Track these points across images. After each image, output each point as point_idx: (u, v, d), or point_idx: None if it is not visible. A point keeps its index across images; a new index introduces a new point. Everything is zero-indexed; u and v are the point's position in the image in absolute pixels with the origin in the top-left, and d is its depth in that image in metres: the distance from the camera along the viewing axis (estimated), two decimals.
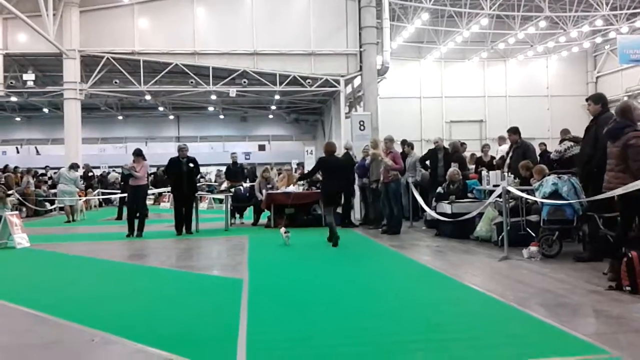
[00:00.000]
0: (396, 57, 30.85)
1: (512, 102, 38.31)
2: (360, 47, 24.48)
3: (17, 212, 12.25)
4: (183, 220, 11.90)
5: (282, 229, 10.34)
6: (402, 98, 36.45)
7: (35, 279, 7.39)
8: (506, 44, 35.49)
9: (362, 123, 15.27)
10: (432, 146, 13.53)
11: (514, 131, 10.09)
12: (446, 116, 38.27)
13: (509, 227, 7.81)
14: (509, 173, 9.49)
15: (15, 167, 21.23)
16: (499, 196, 8.01)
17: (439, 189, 11.23)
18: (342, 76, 25.21)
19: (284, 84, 25.42)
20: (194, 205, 12.53)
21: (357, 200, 13.04)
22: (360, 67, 24.57)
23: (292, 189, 13.34)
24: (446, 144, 13.68)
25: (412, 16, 31.74)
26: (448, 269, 7.06)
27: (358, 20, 24.55)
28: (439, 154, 12.69)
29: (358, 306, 5.27)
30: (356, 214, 13.02)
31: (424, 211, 11.29)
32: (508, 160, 10.00)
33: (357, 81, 26.24)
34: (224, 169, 29.22)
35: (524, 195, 8.02)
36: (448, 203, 10.22)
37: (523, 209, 8.55)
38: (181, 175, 11.86)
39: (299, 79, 25.23)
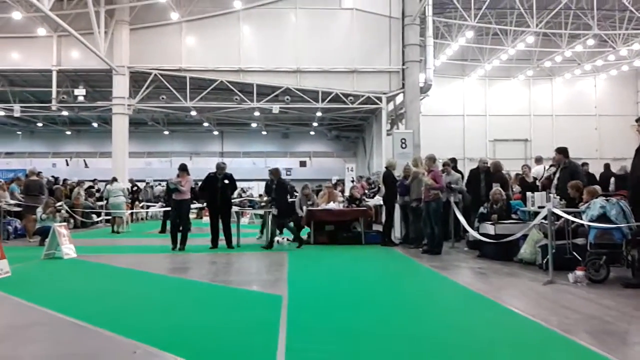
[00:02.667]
0: (439, 74, 30.73)
1: (558, 121, 37.51)
2: (403, 64, 24.47)
3: (65, 223, 12.62)
4: (218, 234, 12.06)
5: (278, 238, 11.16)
6: (444, 116, 36.17)
7: (80, 289, 7.57)
8: (553, 62, 34.86)
9: (403, 141, 15.20)
10: (475, 165, 13.34)
11: (561, 151, 9.87)
12: (490, 134, 37.73)
13: (554, 250, 7.61)
14: (556, 194, 9.26)
15: (65, 180, 21.95)
16: (544, 218, 7.82)
17: (481, 209, 11.05)
18: (384, 93, 25.22)
19: (326, 101, 25.58)
20: (237, 220, 12.70)
21: (397, 219, 12.91)
22: (403, 84, 24.54)
23: (332, 205, 13.35)
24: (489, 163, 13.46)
25: (457, 34, 31.56)
26: (490, 292, 6.91)
27: (401, 38, 24.57)
28: (481, 174, 12.51)
29: (397, 327, 5.20)
30: (396, 233, 12.90)
31: (466, 232, 11.10)
32: (555, 181, 9.77)
33: (399, 98, 26.20)
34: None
35: (571, 217, 7.81)
36: (491, 224, 10.04)
37: (569, 231, 8.32)
38: (216, 191, 12.06)
39: (341, 96, 25.36)
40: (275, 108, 26.07)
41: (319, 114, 29.97)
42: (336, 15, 25.71)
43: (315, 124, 36.52)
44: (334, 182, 22.75)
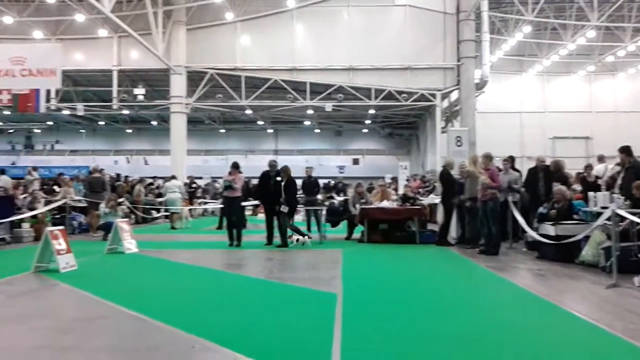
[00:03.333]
0: (496, 70, 30.04)
1: (621, 118, 36.01)
2: (458, 60, 24.09)
3: (127, 219, 13.06)
4: (272, 231, 12.20)
5: (295, 237, 11.23)
6: (501, 113, 35.32)
7: (141, 283, 7.84)
8: (615, 56, 33.44)
9: (459, 139, 14.92)
10: (533, 164, 12.99)
11: (624, 150, 9.50)
12: (549, 132, 36.58)
13: (618, 253, 7.33)
14: (620, 194, 8.91)
15: (126, 177, 22.71)
16: (608, 219, 7.54)
17: (540, 209, 10.75)
18: (439, 90, 24.89)
19: (379, 98, 25.46)
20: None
21: (453, 219, 12.70)
22: (458, 81, 24.16)
23: (386, 204, 13.27)
24: (548, 161, 13.08)
25: (513, 29, 30.74)
26: (550, 295, 6.72)
27: (456, 34, 24.19)
28: (540, 173, 12.16)
29: (452, 329, 5.13)
30: (452, 233, 12.70)
31: (525, 232, 10.82)
32: (619, 181, 9.40)
33: (454, 95, 25.80)
34: (322, 182, 29.84)
35: (636, 218, 7.50)
36: (551, 224, 9.75)
37: (635, 233, 7.99)
38: (269, 188, 12.19)
39: (394, 93, 25.18)
40: (328, 106, 26.14)
41: (371, 111, 29.86)
42: (389, 12, 25.54)
43: (368, 122, 36.41)
44: (387, 180, 22.62)
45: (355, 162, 40.74)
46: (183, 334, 4.86)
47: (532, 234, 10.13)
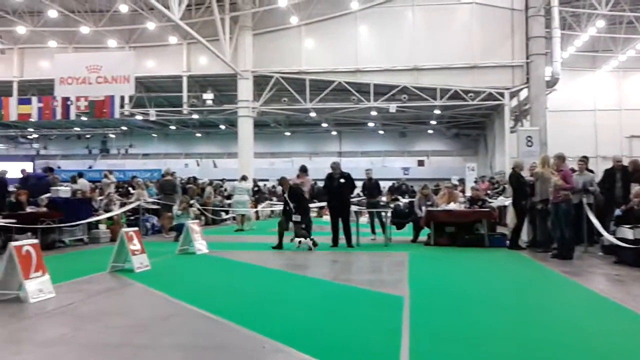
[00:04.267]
0: (567, 67, 28.93)
1: None
2: (527, 58, 23.41)
3: (197, 220, 13.44)
4: (337, 233, 12.20)
5: (297, 240, 11.22)
6: (573, 111, 33.86)
7: (212, 283, 8.04)
8: None
9: (529, 138, 14.47)
10: (609, 164, 12.41)
11: None
12: (625, 130, 34.79)
13: None
14: None
15: (195, 179, 23.38)
16: None
17: (617, 212, 10.25)
18: (507, 89, 24.26)
19: (445, 98, 25.09)
20: (356, 219, 12.82)
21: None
22: (527, 79, 23.47)
23: (453, 206, 13.03)
24: (626, 161, 12.47)
25: (586, 24, 29.46)
26: (628, 301, 6.39)
27: (525, 31, 23.49)
28: (617, 173, 11.60)
29: (522, 334, 4.99)
30: (523, 236, 12.31)
31: (600, 235, 10.36)
32: None
33: (523, 94, 25.06)
34: (383, 184, 29.69)
35: None
36: (630, 228, 9.28)
37: None
38: (333, 190, 12.20)
39: (460, 92, 24.74)
40: (392, 107, 25.99)
41: (437, 111, 29.42)
42: (455, 10, 25.13)
43: (433, 122, 35.90)
44: (454, 181, 22.20)
45: (420, 163, 40.23)
46: (252, 333, 4.95)
47: (608, 237, 9.69)
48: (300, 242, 11.57)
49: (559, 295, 7.13)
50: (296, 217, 12.09)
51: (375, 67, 25.48)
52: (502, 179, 20.69)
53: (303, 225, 12.10)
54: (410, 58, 25.05)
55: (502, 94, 24.36)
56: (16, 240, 8.04)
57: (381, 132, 40.53)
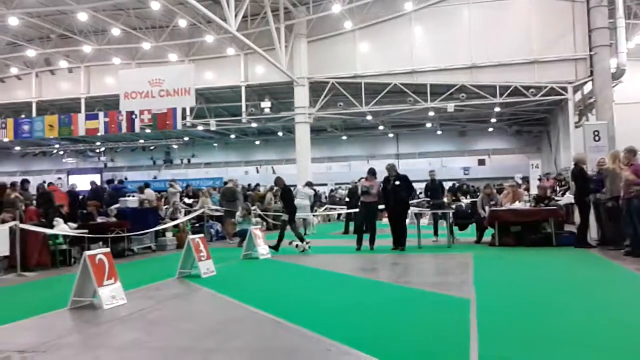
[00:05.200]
0: (634, 58, 27.57)
1: None
2: (590, 50, 22.56)
3: (259, 226, 13.66)
4: (397, 235, 12.07)
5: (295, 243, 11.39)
6: None
7: (276, 287, 8.14)
8: None
9: (596, 133, 13.89)
10: None
11: None
12: None
13: None
14: None
15: (256, 185, 23.75)
16: None
17: None
18: (570, 83, 23.45)
19: (505, 95, 24.51)
20: (417, 221, 12.67)
21: (591, 218, 11.83)
22: (591, 71, 22.62)
23: (517, 205, 12.68)
24: None
25: None
26: None
27: (587, 22, 22.65)
28: None
29: (597, 337, 4.81)
30: (592, 233, 11.84)
31: None
32: None
33: (587, 87, 24.12)
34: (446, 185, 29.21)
35: None
36: None
37: None
38: (388, 193, 12.11)
39: (520, 89, 24.11)
40: (450, 106, 25.60)
41: (497, 109, 28.78)
42: (512, 5, 24.52)
43: (493, 120, 35.11)
44: (517, 180, 21.61)
45: (481, 162, 39.38)
46: (318, 336, 4.96)
47: None
48: (297, 245, 11.85)
49: (635, 295, 6.80)
50: (284, 217, 12.53)
51: (432, 67, 25.19)
52: (569, 175, 19.97)
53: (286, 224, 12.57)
54: (468, 56, 24.63)
55: (564, 89, 23.56)
56: (88, 249, 8.42)
57: (439, 132, 39.97)
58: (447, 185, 26.76)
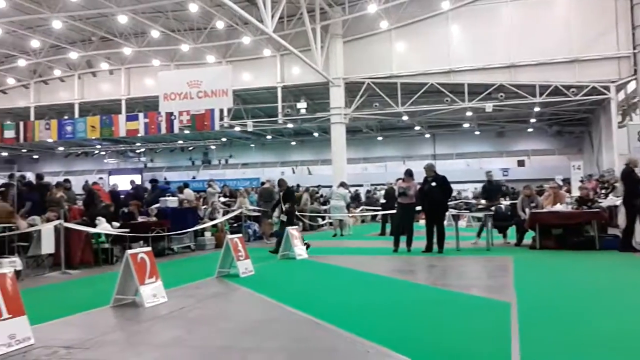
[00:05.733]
0: None
1: None
2: (634, 48, 21.94)
3: (296, 226, 13.72)
4: (432, 237, 11.88)
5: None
6: None
7: (313, 287, 8.17)
8: None
9: None
10: None
11: None
12: None
13: None
14: None
15: (298, 186, 23.81)
16: None
17: None
18: (613, 82, 22.86)
19: (545, 95, 24.05)
20: (454, 223, 12.53)
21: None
22: (635, 70, 21.98)
23: (559, 207, 12.41)
24: None
25: None
26: None
27: (630, 19, 22.04)
28: None
29: None
30: (637, 237, 11.49)
31: None
32: None
33: (631, 86, 23.45)
34: (480, 186, 28.80)
35: None
36: None
37: None
38: (425, 194, 11.97)
39: (561, 88, 23.62)
40: (488, 106, 25.24)
41: (536, 109, 28.27)
42: (552, 3, 24.08)
43: (533, 120, 34.47)
44: (558, 181, 21.17)
45: (520, 163, 38.60)
46: (356, 338, 4.95)
47: None
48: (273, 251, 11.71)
49: None
50: (283, 217, 12.52)
51: (469, 66, 24.88)
52: (612, 177, 19.47)
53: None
54: (506, 55, 24.24)
55: (607, 88, 22.97)
56: (129, 248, 8.59)
57: (477, 132, 39.43)
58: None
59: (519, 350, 4.43)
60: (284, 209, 12.63)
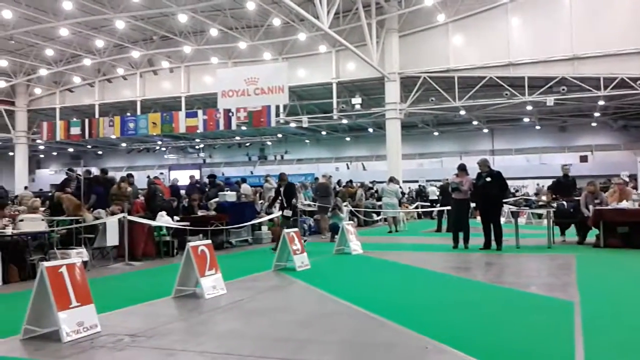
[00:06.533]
0: None
1: None
2: None
3: (352, 222, 13.75)
4: (489, 234, 11.61)
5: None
6: None
7: (369, 282, 8.15)
8: None
9: None
10: None
11: None
12: None
13: None
14: None
15: (348, 182, 23.89)
16: None
17: None
18: None
19: (610, 88, 23.14)
20: (514, 220, 12.24)
21: None
22: None
23: (625, 204, 11.91)
24: None
25: None
26: None
27: None
28: None
29: None
30: None
31: None
32: None
33: None
34: (542, 182, 28.01)
35: None
36: None
37: None
38: (478, 189, 11.71)
39: (627, 81, 22.63)
40: (550, 100, 24.47)
41: (601, 102, 27.17)
42: None
43: (597, 114, 33.17)
44: (624, 177, 20.33)
45: (583, 159, 37.22)
46: (414, 333, 4.94)
47: None
48: (305, 240, 11.33)
49: None
50: (287, 212, 12.41)
51: (529, 59, 24.17)
52: None
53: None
54: (568, 46, 23.40)
55: None
56: (190, 241, 8.83)
57: (538, 127, 38.26)
58: (546, 183, 25.73)
59: (583, 351, 4.30)
60: (285, 204, 12.50)
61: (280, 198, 12.76)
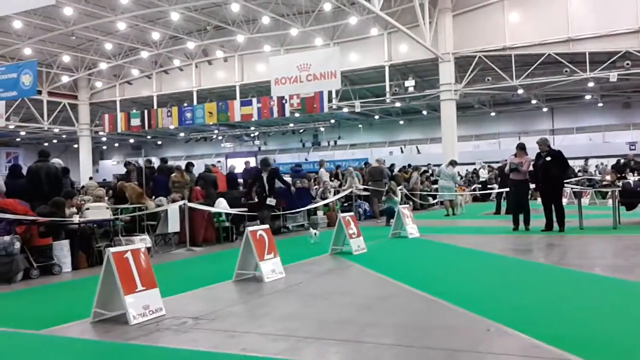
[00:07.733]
0: None
1: None
2: None
3: (408, 205, 13.65)
4: (550, 215, 11.22)
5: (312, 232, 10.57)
6: None
7: (428, 266, 8.11)
8: None
9: None
10: None
11: None
12: None
13: None
14: None
15: (404, 166, 23.68)
16: None
17: None
18: None
19: None
20: (577, 201, 11.84)
21: None
22: None
23: None
24: None
25: None
26: None
27: None
28: None
29: None
30: None
31: None
32: None
33: None
34: (606, 161, 26.95)
35: None
36: None
37: None
38: (538, 169, 11.32)
39: None
40: (613, 76, 23.45)
41: None
42: None
43: None
44: None
45: None
46: (475, 316, 4.87)
47: None
48: (315, 233, 10.95)
49: None
50: (270, 201, 12.09)
51: (590, 33, 23.17)
52: None
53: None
54: (633, 18, 22.29)
55: None
56: (248, 226, 8.99)
57: (600, 104, 36.71)
58: (610, 162, 24.72)
59: None
60: (267, 192, 12.19)
61: (260, 185, 12.32)
